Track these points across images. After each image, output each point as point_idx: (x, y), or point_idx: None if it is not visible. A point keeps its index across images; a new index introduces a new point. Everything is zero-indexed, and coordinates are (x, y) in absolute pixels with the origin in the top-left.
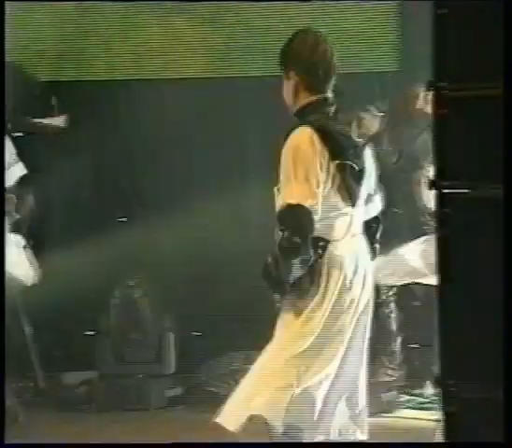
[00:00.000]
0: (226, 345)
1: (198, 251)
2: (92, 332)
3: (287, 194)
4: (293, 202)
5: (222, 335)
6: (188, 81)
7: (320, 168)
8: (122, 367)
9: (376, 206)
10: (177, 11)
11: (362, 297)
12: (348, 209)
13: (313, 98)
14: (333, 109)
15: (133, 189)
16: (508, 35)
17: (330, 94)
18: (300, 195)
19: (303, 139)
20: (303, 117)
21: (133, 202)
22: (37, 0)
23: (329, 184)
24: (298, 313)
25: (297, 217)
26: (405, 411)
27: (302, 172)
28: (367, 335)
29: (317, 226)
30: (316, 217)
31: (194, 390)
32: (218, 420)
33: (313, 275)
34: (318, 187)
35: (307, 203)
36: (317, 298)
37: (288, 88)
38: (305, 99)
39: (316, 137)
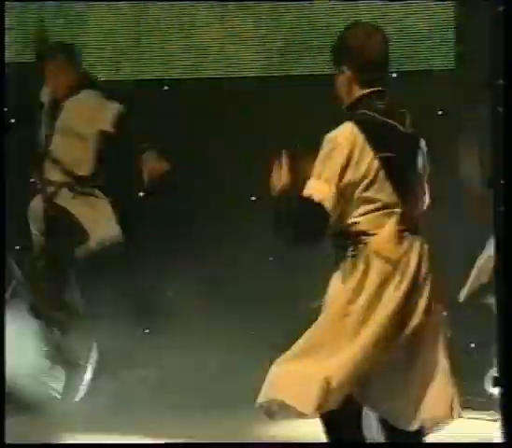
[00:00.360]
0: None
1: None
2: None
3: (306, 188)
4: (308, 195)
5: None
6: (246, 80)
7: (359, 163)
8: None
9: (424, 201)
10: (236, 11)
11: (415, 297)
12: (394, 203)
13: (363, 92)
14: (384, 102)
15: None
16: (508, 35)
17: (382, 87)
18: (317, 191)
19: (341, 135)
20: (352, 111)
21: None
22: (40, 0)
23: (371, 178)
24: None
25: (308, 211)
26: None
27: (328, 171)
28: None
29: (358, 220)
30: (331, 215)
31: None
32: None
33: (349, 269)
34: (338, 187)
35: (318, 198)
36: (350, 293)
37: (340, 83)
38: (357, 93)
39: (357, 132)
